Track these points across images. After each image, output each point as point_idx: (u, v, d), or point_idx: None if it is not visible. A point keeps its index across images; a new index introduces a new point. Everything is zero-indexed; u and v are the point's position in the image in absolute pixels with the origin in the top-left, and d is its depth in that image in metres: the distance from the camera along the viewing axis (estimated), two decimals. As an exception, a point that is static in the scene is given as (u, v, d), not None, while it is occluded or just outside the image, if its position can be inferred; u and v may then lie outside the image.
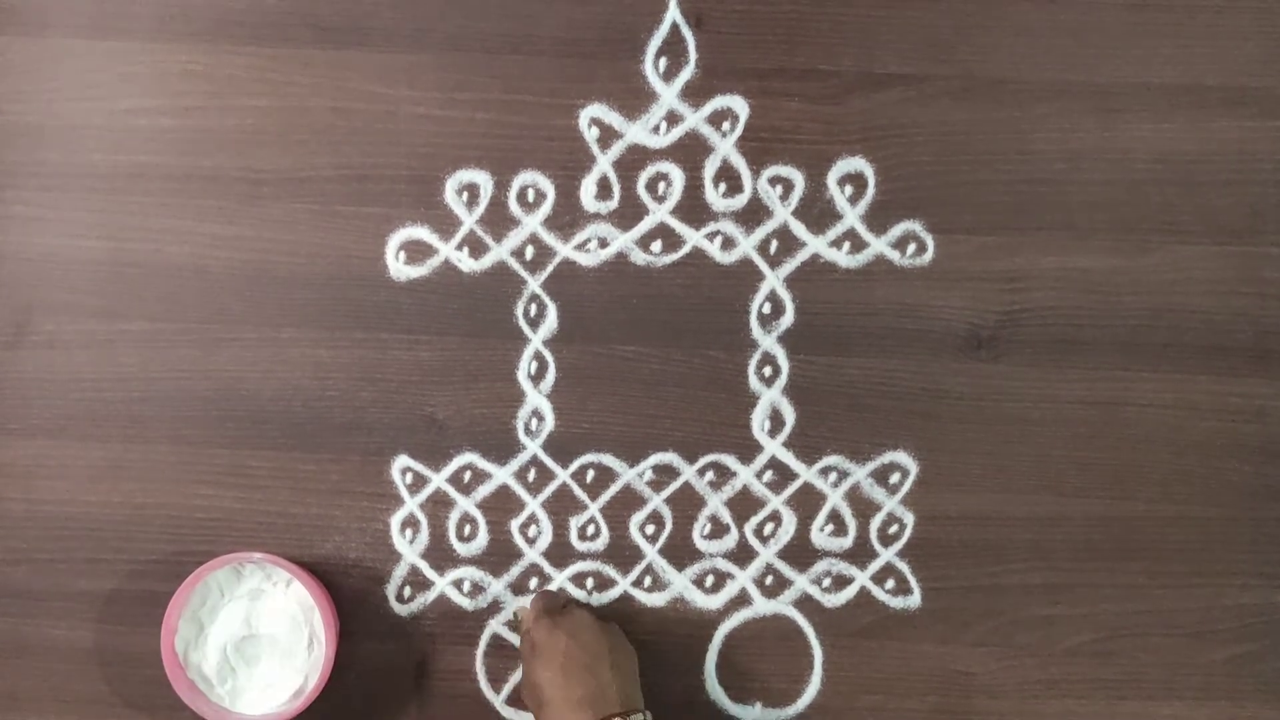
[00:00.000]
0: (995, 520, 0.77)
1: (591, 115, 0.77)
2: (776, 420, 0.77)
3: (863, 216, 0.77)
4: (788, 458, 0.77)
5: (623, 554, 0.78)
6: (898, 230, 0.77)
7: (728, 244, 0.77)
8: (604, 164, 0.77)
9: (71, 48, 0.77)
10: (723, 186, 0.77)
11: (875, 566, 0.77)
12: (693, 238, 0.77)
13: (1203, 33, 0.76)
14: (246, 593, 0.75)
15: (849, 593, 0.77)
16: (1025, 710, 0.77)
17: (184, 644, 0.74)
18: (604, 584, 0.78)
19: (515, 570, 0.77)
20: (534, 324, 0.77)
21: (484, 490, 0.77)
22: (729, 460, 0.77)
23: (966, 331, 0.77)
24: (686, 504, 0.77)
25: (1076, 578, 0.77)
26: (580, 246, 0.77)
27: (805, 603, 0.77)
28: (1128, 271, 0.76)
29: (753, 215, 0.77)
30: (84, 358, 0.77)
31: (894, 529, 0.77)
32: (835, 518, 0.77)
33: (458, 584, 0.77)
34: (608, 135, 0.77)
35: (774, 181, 0.77)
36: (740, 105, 0.77)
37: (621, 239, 0.77)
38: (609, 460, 0.77)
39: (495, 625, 0.77)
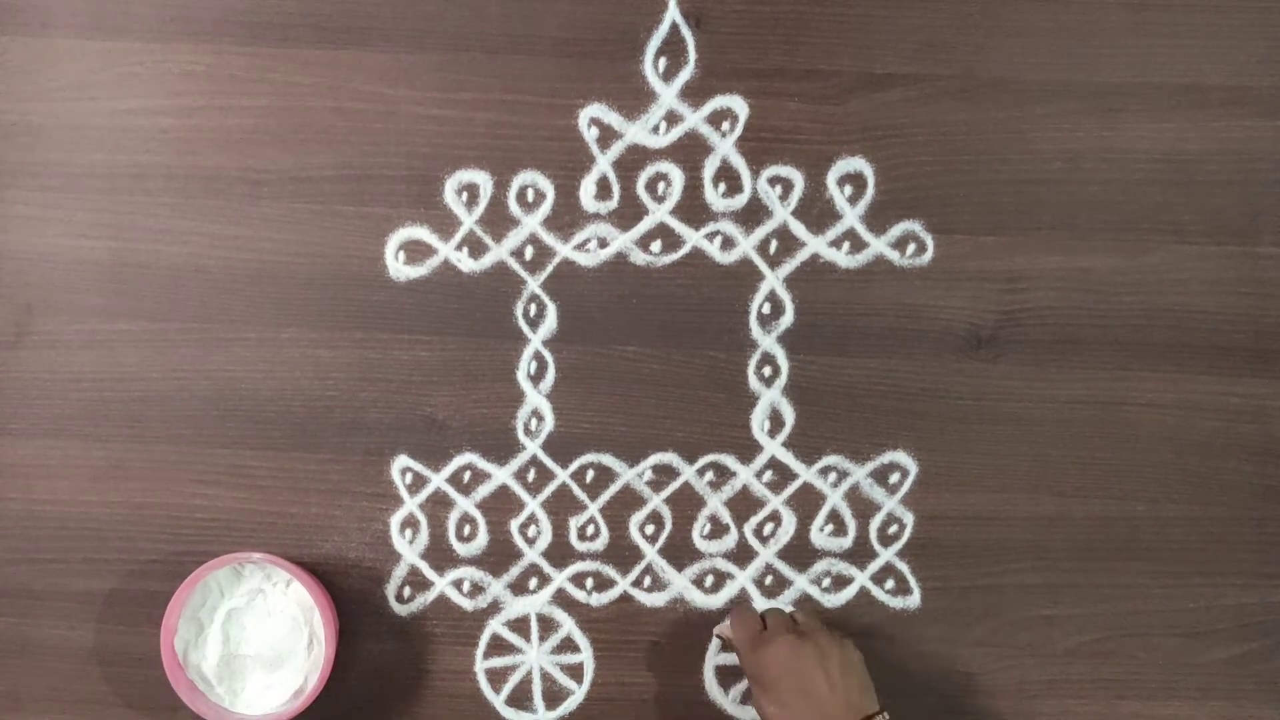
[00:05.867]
0: (995, 520, 0.77)
1: (591, 115, 0.77)
2: (776, 420, 0.77)
3: (862, 216, 0.77)
4: (787, 458, 0.77)
5: (622, 554, 0.78)
6: (897, 230, 0.77)
7: (727, 244, 0.77)
8: (604, 164, 0.77)
9: (71, 48, 0.77)
10: (722, 186, 0.77)
11: (875, 566, 0.77)
12: (692, 238, 0.77)
13: (1203, 32, 0.76)
14: (246, 593, 0.75)
15: (849, 593, 0.77)
16: (1025, 710, 0.77)
17: (184, 644, 0.74)
18: (604, 584, 0.78)
19: (515, 570, 0.78)
20: (534, 324, 0.77)
21: (484, 490, 0.77)
22: (729, 460, 0.77)
23: (966, 331, 0.77)
24: (686, 504, 0.77)
25: (1076, 578, 0.77)
26: (580, 246, 0.77)
27: (805, 602, 0.77)
28: (1128, 271, 0.76)
29: (752, 215, 0.77)
30: (84, 358, 0.77)
31: (894, 529, 0.77)
32: (835, 518, 0.77)
33: (458, 584, 0.77)
34: (607, 135, 0.77)
35: (774, 181, 0.77)
36: (740, 105, 0.77)
37: (621, 239, 0.77)
38: (609, 460, 0.77)
39: (495, 625, 0.77)
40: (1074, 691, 0.77)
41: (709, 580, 0.77)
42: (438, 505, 0.77)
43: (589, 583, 0.78)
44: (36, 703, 0.77)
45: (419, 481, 0.77)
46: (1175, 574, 0.77)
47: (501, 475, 0.77)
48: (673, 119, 0.77)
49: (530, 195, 0.77)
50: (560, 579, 0.77)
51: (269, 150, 0.77)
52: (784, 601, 0.77)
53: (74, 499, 0.77)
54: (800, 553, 0.77)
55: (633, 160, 0.77)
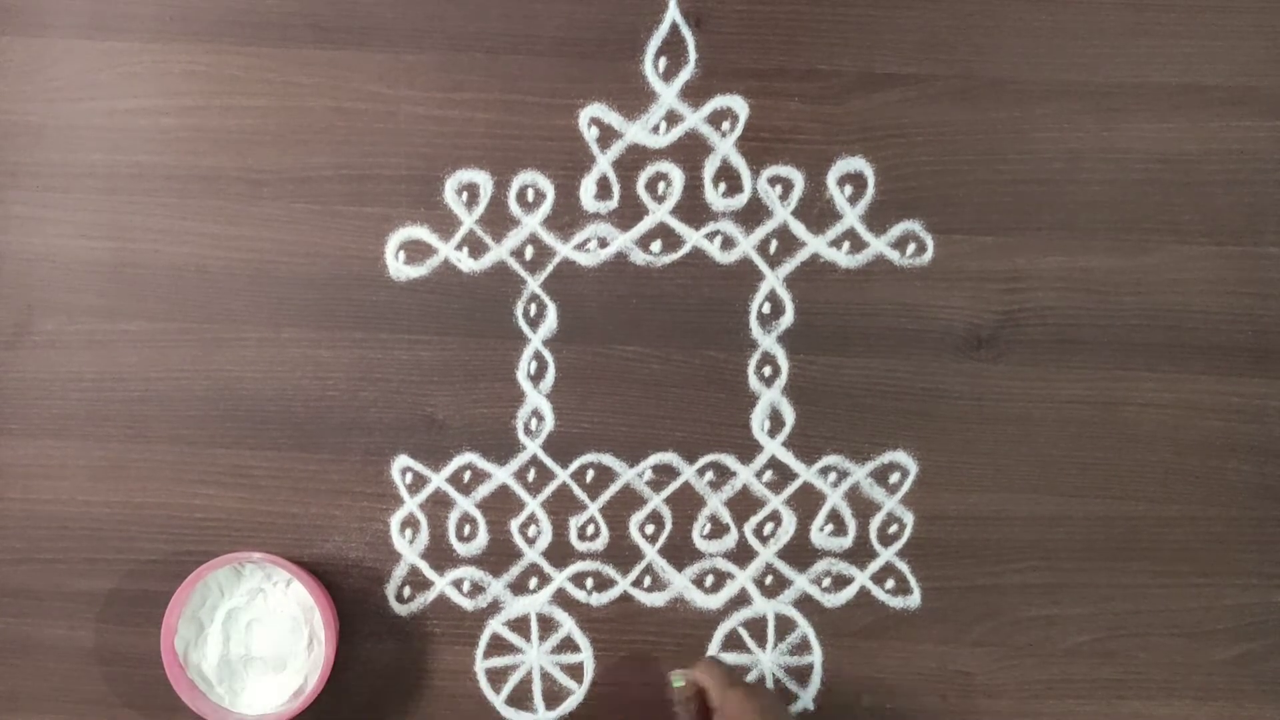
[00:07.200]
0: (995, 520, 0.77)
1: (591, 115, 0.77)
2: (776, 420, 0.77)
3: (862, 216, 0.77)
4: (787, 458, 0.77)
5: (622, 554, 0.78)
6: (897, 230, 0.77)
7: (727, 244, 0.77)
8: (604, 164, 0.77)
9: (71, 48, 0.77)
10: (722, 186, 0.77)
11: (875, 566, 0.77)
12: (692, 238, 0.77)
13: (1203, 33, 0.76)
14: (246, 593, 0.75)
15: (849, 593, 0.77)
16: (1025, 710, 0.77)
17: (184, 644, 0.74)
18: (604, 584, 0.78)
19: (515, 570, 0.78)
20: (534, 324, 0.77)
21: (484, 490, 0.77)
22: (729, 460, 0.77)
23: (966, 331, 0.77)
24: (686, 504, 0.77)
25: (1076, 578, 0.77)
26: (580, 246, 0.77)
27: (805, 603, 0.77)
28: (1128, 271, 0.76)
29: (752, 215, 0.77)
30: (84, 358, 0.77)
31: (894, 529, 0.77)
32: (835, 518, 0.77)
33: (458, 584, 0.77)
34: (607, 135, 0.77)
35: (774, 181, 0.77)
36: (740, 105, 0.77)
37: (621, 239, 0.77)
38: (609, 460, 0.77)
39: (495, 625, 0.77)
40: (1074, 691, 0.77)
41: (709, 580, 0.77)
42: (438, 505, 0.77)
43: (589, 583, 0.78)
44: (36, 703, 0.77)
45: (419, 481, 0.77)
46: (1175, 574, 0.77)
47: (501, 475, 0.77)
48: (673, 119, 0.77)
49: (530, 195, 0.77)
50: (560, 579, 0.77)
51: (269, 150, 0.77)
52: (785, 603, 0.77)
53: (74, 499, 0.77)
54: (800, 552, 0.77)
55: (633, 160, 0.77)
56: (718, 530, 0.78)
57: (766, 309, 0.77)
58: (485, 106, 0.77)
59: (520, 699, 0.77)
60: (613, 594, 0.77)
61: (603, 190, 0.77)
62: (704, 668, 0.69)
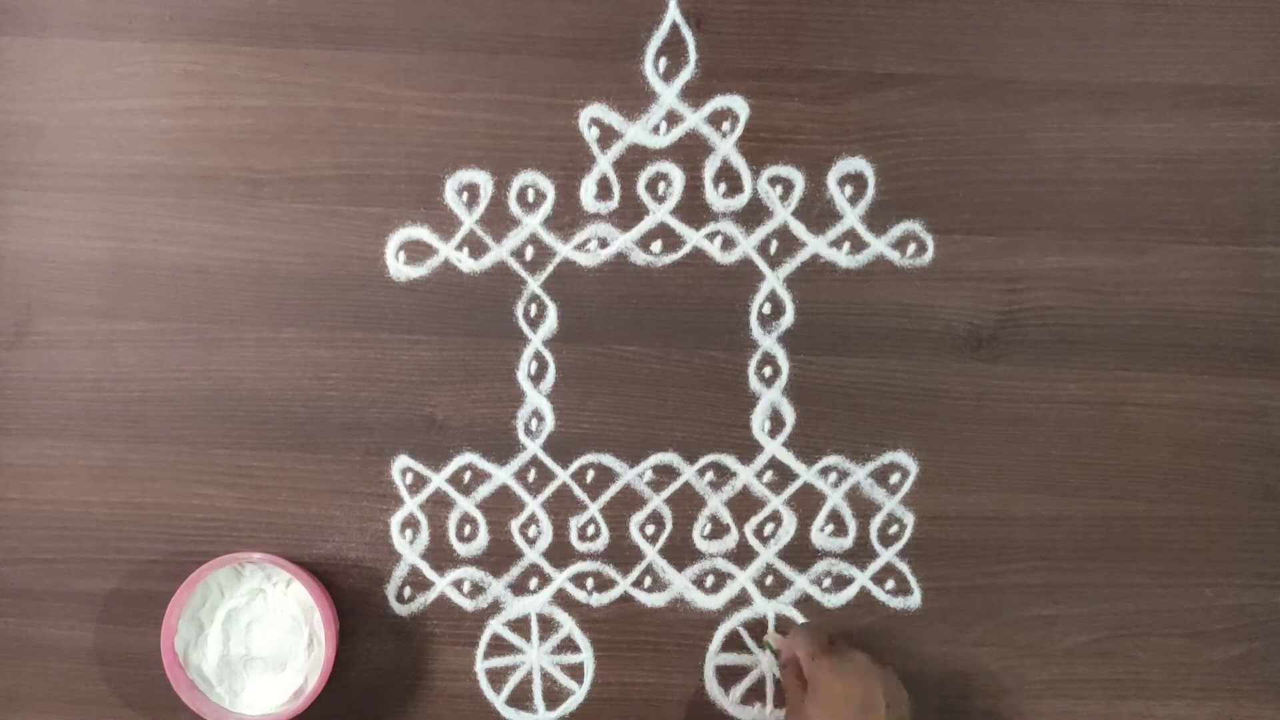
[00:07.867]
0: (995, 520, 0.77)
1: (591, 115, 0.77)
2: (776, 420, 0.77)
3: (863, 216, 0.77)
4: (788, 458, 0.77)
5: (623, 554, 0.78)
6: (898, 230, 0.77)
7: (728, 244, 0.77)
8: (604, 164, 0.77)
9: (71, 48, 0.77)
10: (723, 186, 0.77)
11: (875, 567, 0.77)
12: (693, 238, 0.77)
13: (1203, 33, 0.76)
14: (246, 593, 0.75)
15: (849, 593, 0.77)
16: (1025, 710, 0.77)
17: (184, 644, 0.74)
18: (604, 584, 0.78)
19: (515, 570, 0.78)
20: (534, 324, 0.77)
21: (484, 490, 0.77)
22: (729, 460, 0.77)
23: (966, 331, 0.77)
24: (686, 504, 0.77)
25: (1076, 578, 0.77)
26: (580, 246, 0.77)
27: (805, 603, 0.77)
28: (1128, 271, 0.77)
29: (753, 215, 0.77)
30: (84, 358, 0.77)
31: (894, 529, 0.77)
32: (835, 518, 0.77)
33: (458, 584, 0.77)
34: (608, 135, 0.77)
35: (774, 181, 0.77)
36: (740, 105, 0.77)
37: (621, 239, 0.77)
38: (609, 460, 0.77)
39: (495, 625, 0.77)
40: (1074, 691, 0.77)
41: (709, 580, 0.77)
42: (438, 505, 0.77)
43: (589, 583, 0.78)
44: (36, 703, 0.77)
45: (419, 481, 0.77)
46: (1175, 574, 0.77)
47: (502, 475, 0.77)
48: (673, 119, 0.77)
49: (530, 195, 0.77)
50: (560, 579, 0.77)
51: (269, 150, 0.77)
52: (785, 603, 0.77)
53: (74, 499, 0.77)
54: (801, 553, 0.77)
55: (633, 160, 0.77)
56: (718, 530, 0.78)
57: (767, 309, 0.77)
58: (485, 106, 0.77)
59: (520, 699, 0.77)
60: (613, 594, 0.77)
61: (603, 190, 0.77)
62: (794, 636, 0.71)
